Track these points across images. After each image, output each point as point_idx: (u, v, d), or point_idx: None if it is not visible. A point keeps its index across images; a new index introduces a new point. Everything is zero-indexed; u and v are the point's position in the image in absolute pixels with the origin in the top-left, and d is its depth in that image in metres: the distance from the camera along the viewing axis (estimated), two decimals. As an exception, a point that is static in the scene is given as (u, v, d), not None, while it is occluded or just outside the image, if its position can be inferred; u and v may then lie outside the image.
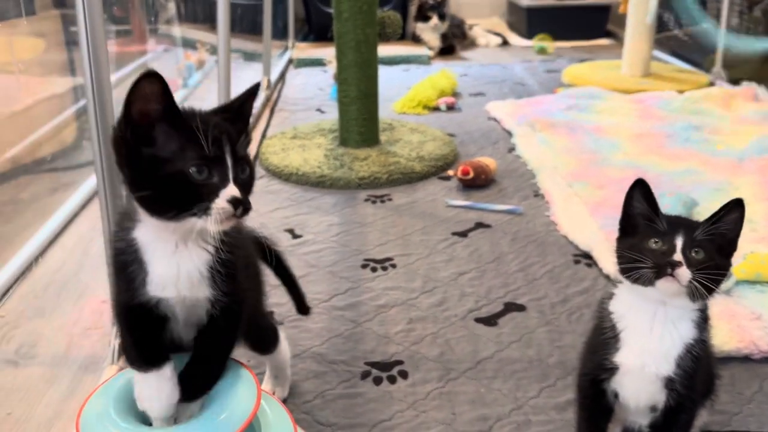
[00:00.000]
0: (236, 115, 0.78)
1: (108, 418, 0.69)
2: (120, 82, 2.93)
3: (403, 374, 1.22)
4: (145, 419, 0.75)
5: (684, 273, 0.81)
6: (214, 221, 0.69)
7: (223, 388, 0.73)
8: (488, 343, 1.30)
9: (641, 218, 0.88)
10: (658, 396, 0.90)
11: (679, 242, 0.83)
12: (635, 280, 0.85)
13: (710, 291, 0.83)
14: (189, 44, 3.28)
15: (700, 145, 2.24)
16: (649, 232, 0.86)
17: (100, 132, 1.17)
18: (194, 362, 0.79)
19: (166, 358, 0.77)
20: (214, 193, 0.69)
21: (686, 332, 0.87)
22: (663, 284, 0.82)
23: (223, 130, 0.72)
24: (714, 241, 0.85)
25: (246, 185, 0.73)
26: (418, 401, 1.15)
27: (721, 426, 1.09)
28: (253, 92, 0.80)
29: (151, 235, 0.75)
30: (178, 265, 0.75)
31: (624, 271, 0.87)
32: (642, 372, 0.88)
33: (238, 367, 0.76)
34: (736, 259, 1.48)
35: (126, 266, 0.76)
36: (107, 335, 1.26)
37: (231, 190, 0.70)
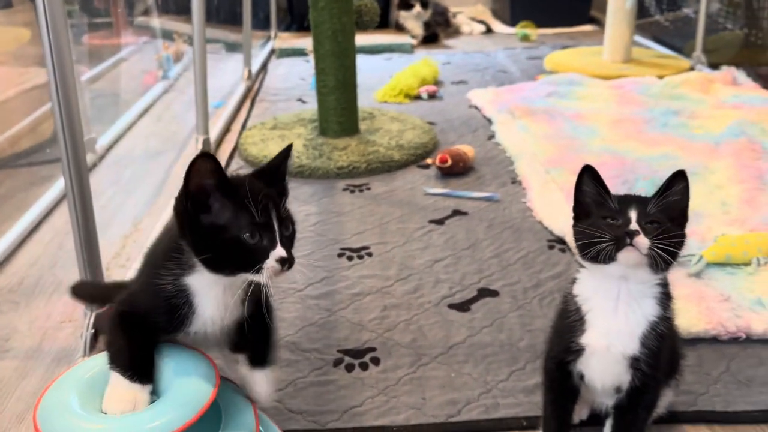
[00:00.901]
0: (274, 176, 0.88)
1: (66, 408, 0.70)
2: (102, 75, 2.92)
3: (375, 361, 1.23)
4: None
5: (642, 241, 0.83)
6: (266, 277, 0.81)
7: (182, 374, 0.73)
8: (460, 329, 1.31)
9: (593, 202, 0.90)
10: (624, 376, 0.91)
11: (633, 215, 0.86)
12: (595, 259, 0.86)
13: (670, 260, 0.85)
14: (169, 36, 3.27)
15: (678, 130, 2.25)
16: (603, 212, 0.88)
17: (65, 131, 1.14)
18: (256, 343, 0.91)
19: (152, 378, 0.83)
20: (264, 255, 0.81)
21: (650, 310, 0.89)
22: (624, 255, 0.84)
23: (269, 197, 0.83)
24: (666, 213, 0.87)
25: (290, 241, 0.85)
26: (389, 387, 1.16)
27: (687, 406, 1.10)
28: (286, 155, 0.90)
29: (205, 282, 0.84)
30: (225, 305, 0.86)
31: (583, 251, 0.88)
32: (608, 352, 0.89)
33: (196, 353, 0.76)
34: (707, 242, 1.51)
35: (176, 309, 0.84)
36: (80, 328, 1.26)
37: (279, 251, 0.81)
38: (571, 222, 0.93)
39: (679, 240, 0.86)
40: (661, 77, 2.80)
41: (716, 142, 2.09)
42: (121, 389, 0.78)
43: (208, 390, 0.72)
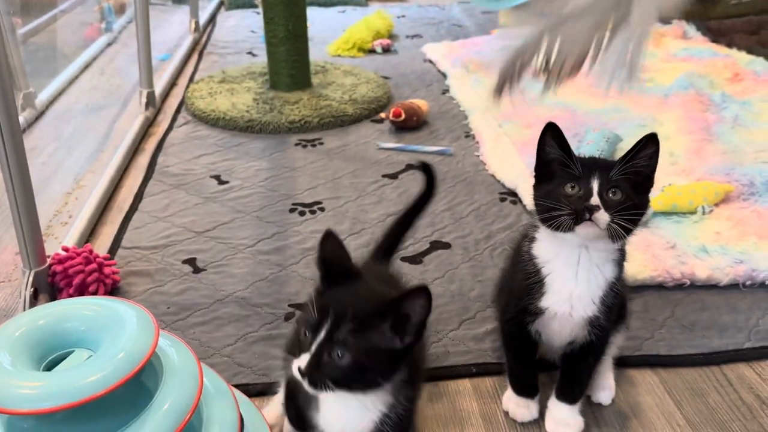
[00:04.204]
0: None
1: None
2: (41, 28, 2.78)
3: (327, 314, 1.21)
4: (48, 365, 0.72)
5: (602, 216, 0.80)
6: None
7: (118, 328, 0.71)
8: (412, 281, 1.30)
9: (555, 163, 0.86)
10: (581, 332, 0.91)
11: (595, 185, 0.82)
12: (555, 228, 0.84)
13: (630, 230, 0.83)
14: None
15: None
16: (564, 177, 0.84)
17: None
18: None
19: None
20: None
21: (609, 273, 0.88)
22: (582, 229, 0.82)
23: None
24: (630, 179, 0.83)
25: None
26: (340, 340, 1.15)
27: (632, 351, 1.12)
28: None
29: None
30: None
31: (543, 220, 0.86)
32: (569, 316, 0.89)
33: (133, 307, 0.74)
34: (655, 192, 1.52)
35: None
36: (19, 287, 1.22)
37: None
38: (532, 184, 0.90)
39: (641, 210, 0.84)
40: (613, 31, 2.80)
41: (665, 94, 2.11)
42: None
43: (148, 342, 0.70)
